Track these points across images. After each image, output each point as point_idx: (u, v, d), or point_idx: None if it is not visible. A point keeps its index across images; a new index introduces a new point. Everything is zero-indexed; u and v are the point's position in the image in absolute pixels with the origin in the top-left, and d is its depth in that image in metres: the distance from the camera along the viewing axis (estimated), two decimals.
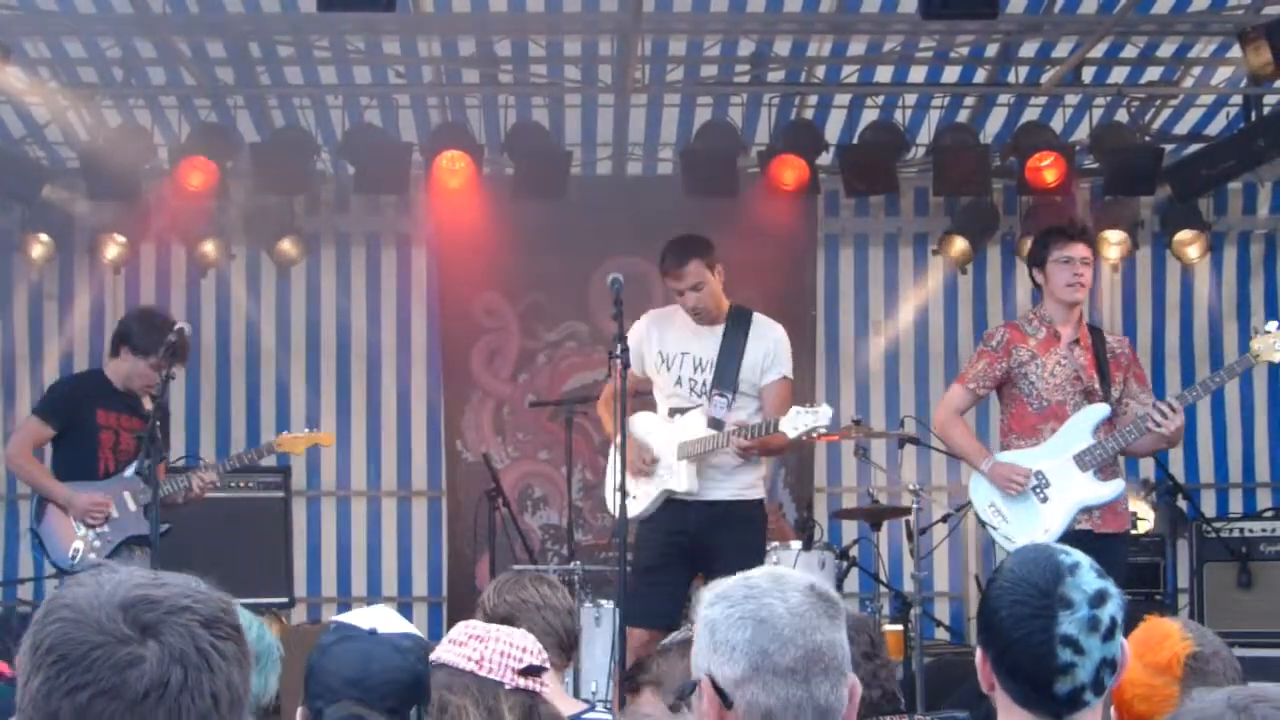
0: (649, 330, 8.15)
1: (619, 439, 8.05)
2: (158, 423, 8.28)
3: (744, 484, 8.05)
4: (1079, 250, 7.83)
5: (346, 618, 3.63)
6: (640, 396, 8.37)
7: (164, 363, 8.12)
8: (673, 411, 7.98)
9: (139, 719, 1.85)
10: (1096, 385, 7.82)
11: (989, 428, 10.75)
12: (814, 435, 7.72)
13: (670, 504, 7.90)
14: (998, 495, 7.91)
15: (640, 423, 8.12)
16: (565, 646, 4.84)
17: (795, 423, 7.68)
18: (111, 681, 1.85)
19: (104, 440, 8.31)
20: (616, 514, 8.20)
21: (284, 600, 10.78)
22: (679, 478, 7.93)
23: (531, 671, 3.81)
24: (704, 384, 8.04)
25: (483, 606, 4.86)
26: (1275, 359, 7.63)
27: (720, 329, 8.10)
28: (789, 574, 2.92)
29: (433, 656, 3.91)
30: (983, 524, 8.14)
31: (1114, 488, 7.76)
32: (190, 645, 1.89)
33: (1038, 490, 7.82)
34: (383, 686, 3.49)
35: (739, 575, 2.93)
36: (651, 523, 7.90)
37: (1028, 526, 7.79)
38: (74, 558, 8.15)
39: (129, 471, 8.24)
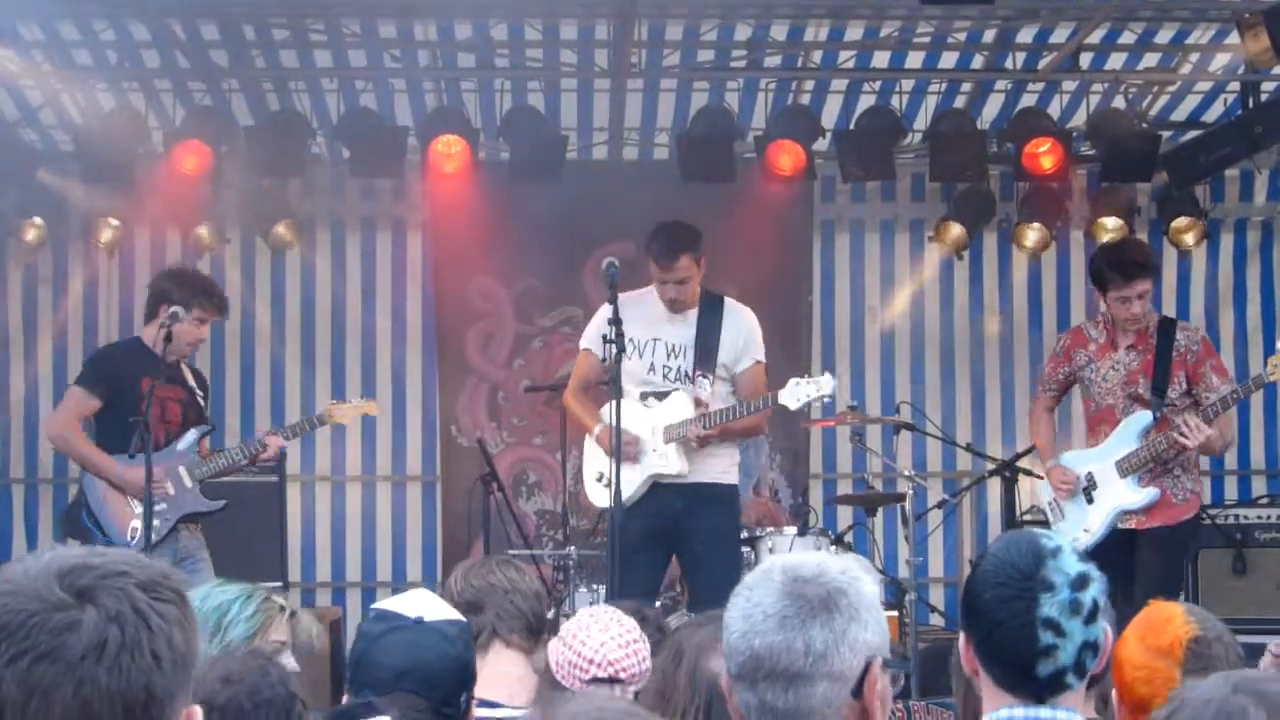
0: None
1: (597, 430, 8.07)
2: (200, 392, 8.28)
3: (721, 468, 8.12)
4: (1137, 289, 8.11)
5: (390, 605, 3.61)
6: (600, 387, 8.38)
7: (207, 315, 8.08)
8: (644, 396, 7.93)
9: (80, 681, 1.86)
10: (1142, 390, 8.15)
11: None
12: (819, 402, 7.72)
13: (652, 488, 7.89)
14: (1056, 495, 8.42)
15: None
16: (534, 630, 4.80)
17: (795, 394, 7.72)
18: (49, 645, 1.86)
19: (152, 411, 7.93)
20: (596, 503, 8.27)
21: (278, 584, 10.75)
22: (669, 460, 7.94)
23: (603, 682, 3.81)
24: (679, 369, 8.04)
25: (450, 592, 4.82)
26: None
27: (693, 314, 8.09)
28: (777, 566, 2.88)
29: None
30: (1046, 518, 8.58)
31: (1146, 495, 8.11)
32: (127, 606, 1.90)
33: (1087, 491, 8.27)
34: (434, 677, 3.48)
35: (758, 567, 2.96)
36: (634, 508, 7.80)
37: (1074, 524, 8.25)
38: (131, 537, 7.88)
39: (182, 445, 8.14)
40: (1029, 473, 10.57)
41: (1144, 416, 8.11)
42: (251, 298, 12.10)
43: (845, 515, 11.55)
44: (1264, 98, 10.76)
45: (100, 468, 8.01)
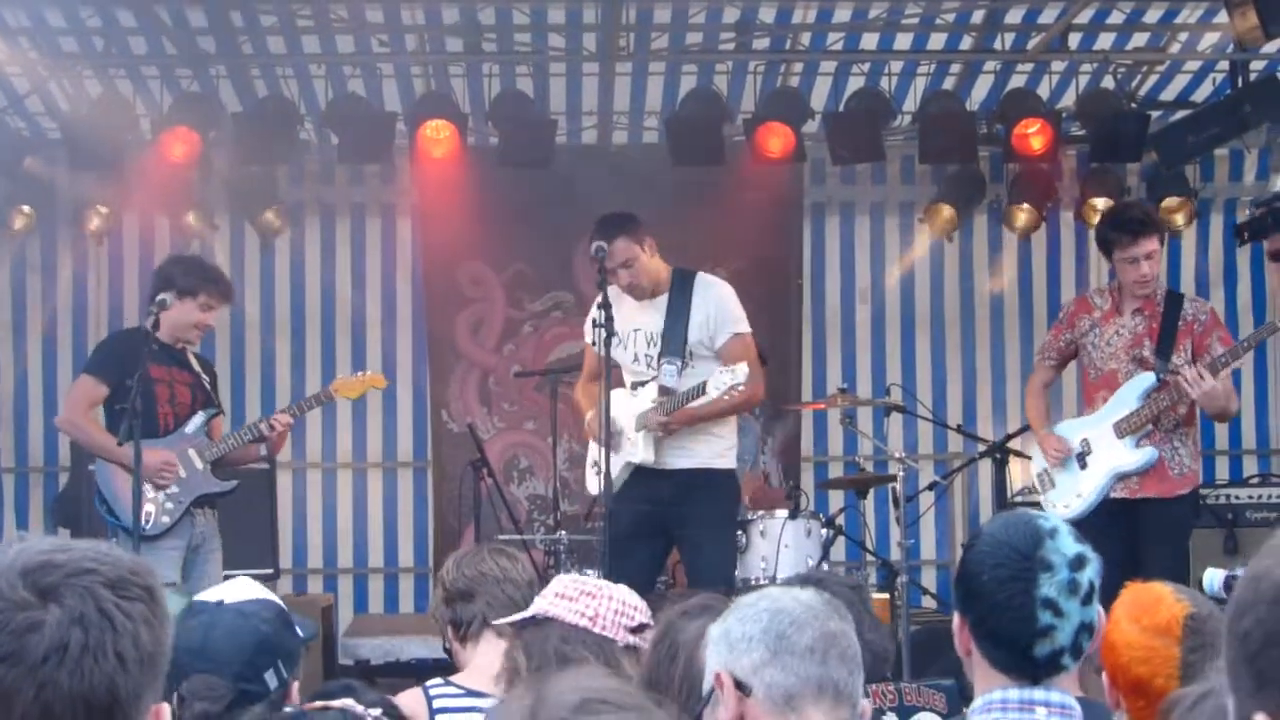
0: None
1: (588, 418, 8.12)
2: (207, 378, 8.29)
3: (713, 452, 8.05)
4: (1144, 248, 8.01)
5: (202, 595, 3.63)
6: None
7: (213, 301, 8.09)
8: (634, 385, 7.98)
9: (41, 684, 1.84)
10: (1148, 353, 8.01)
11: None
12: (734, 391, 7.64)
13: (640, 475, 7.89)
14: (1048, 463, 8.25)
15: (611, 402, 8.15)
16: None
17: (716, 382, 7.66)
18: (11, 647, 1.84)
19: (160, 394, 8.00)
20: (591, 490, 8.33)
21: (269, 572, 10.75)
22: (637, 448, 7.94)
23: (641, 629, 3.84)
24: (656, 358, 8.03)
25: (442, 581, 4.81)
26: None
27: (664, 298, 8.06)
28: (795, 588, 3.11)
29: (539, 610, 3.95)
30: (1034, 491, 8.44)
31: (1143, 455, 7.96)
32: (92, 607, 1.87)
33: (1081, 458, 8.11)
34: (225, 652, 3.48)
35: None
36: (622, 494, 7.78)
37: (1065, 492, 8.14)
38: (147, 522, 7.84)
39: (190, 427, 8.15)
40: (1020, 454, 10.57)
41: (1146, 378, 7.97)
42: (241, 284, 12.01)
43: (836, 498, 11.55)
44: (1253, 76, 10.75)
45: (112, 454, 7.97)
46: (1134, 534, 7.89)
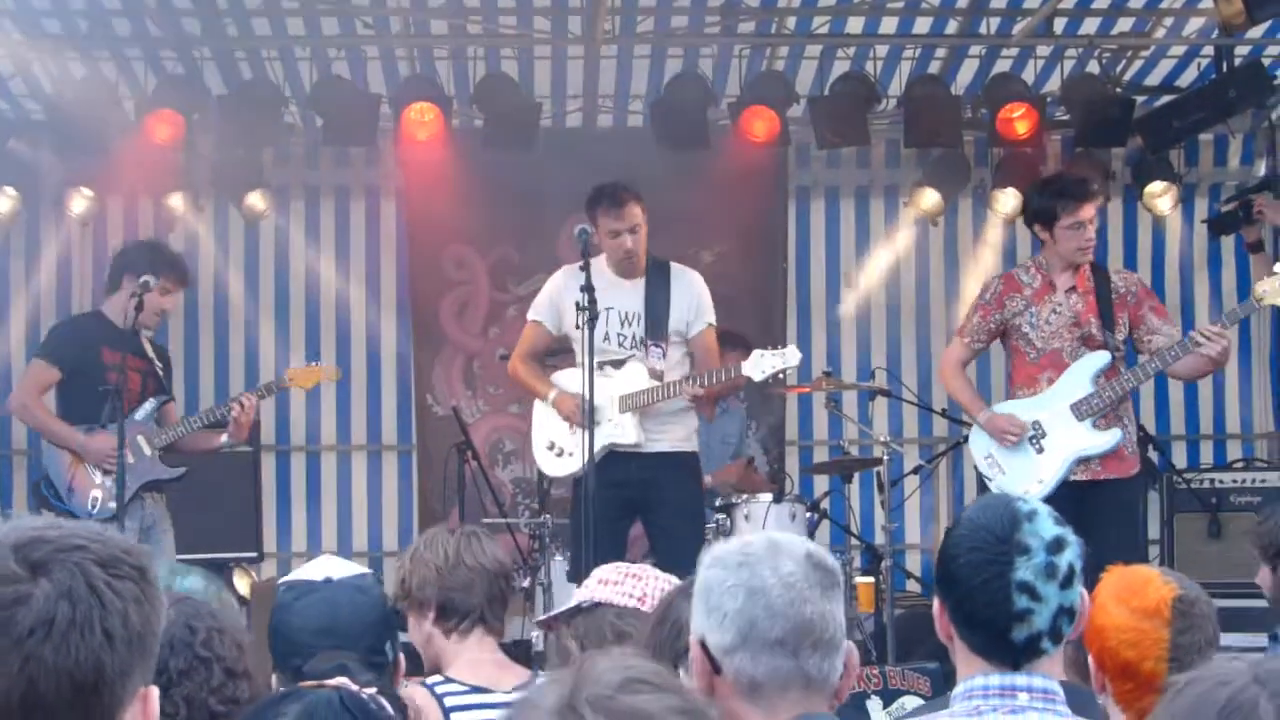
0: (568, 286, 8.10)
1: (552, 395, 8.12)
2: (160, 365, 8.28)
3: (681, 436, 8.16)
4: (1088, 212, 7.86)
5: (296, 575, 3.64)
6: (558, 355, 8.42)
7: (171, 286, 8.08)
8: (602, 365, 7.93)
9: (26, 657, 1.83)
10: (1094, 330, 7.86)
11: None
12: (781, 376, 7.70)
13: (611, 457, 7.87)
14: (995, 447, 8.02)
15: (568, 381, 8.13)
16: (504, 612, 4.75)
17: (760, 365, 7.70)
18: None
19: (111, 380, 7.98)
20: (547, 471, 8.35)
21: (253, 555, 10.76)
22: (625, 430, 7.95)
23: None
24: (634, 337, 8.04)
25: (435, 565, 4.67)
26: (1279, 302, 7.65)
27: (641, 281, 8.11)
28: (787, 541, 2.97)
29: (586, 598, 3.97)
30: (981, 476, 8.23)
31: (1110, 437, 7.81)
32: (81, 582, 1.87)
33: (1034, 441, 7.88)
34: (355, 628, 3.50)
35: (738, 540, 3.01)
36: (596, 476, 7.64)
37: (1023, 477, 7.86)
38: (93, 507, 7.92)
39: (139, 414, 8.14)
40: None
41: (1100, 357, 7.80)
42: (225, 267, 12.05)
43: (821, 482, 11.56)
44: (1237, 61, 10.76)
45: (61, 437, 8.06)
46: (1087, 516, 7.63)
